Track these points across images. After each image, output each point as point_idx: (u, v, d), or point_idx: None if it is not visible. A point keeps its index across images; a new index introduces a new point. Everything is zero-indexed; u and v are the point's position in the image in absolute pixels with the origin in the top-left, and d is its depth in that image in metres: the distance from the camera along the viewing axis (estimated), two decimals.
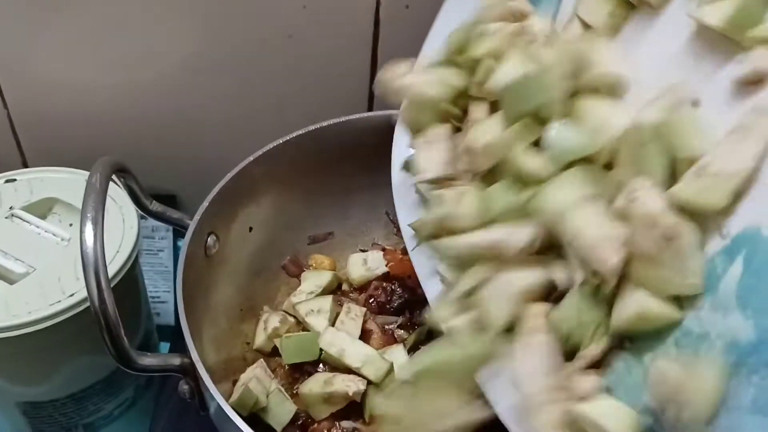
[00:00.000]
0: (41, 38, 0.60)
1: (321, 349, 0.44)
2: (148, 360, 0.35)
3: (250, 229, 0.50)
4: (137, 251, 0.55)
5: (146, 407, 0.63)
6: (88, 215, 0.33)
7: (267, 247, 0.52)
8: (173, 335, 0.63)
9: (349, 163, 0.55)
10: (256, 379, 0.43)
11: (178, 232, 0.74)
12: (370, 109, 0.62)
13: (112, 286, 0.50)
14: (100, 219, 0.33)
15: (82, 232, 0.32)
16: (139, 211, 0.55)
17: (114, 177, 0.38)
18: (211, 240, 0.45)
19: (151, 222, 0.72)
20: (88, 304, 0.49)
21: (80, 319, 0.50)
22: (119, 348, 0.33)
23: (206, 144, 0.67)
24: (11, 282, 0.52)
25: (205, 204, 0.44)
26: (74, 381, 0.55)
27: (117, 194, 0.56)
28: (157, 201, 0.72)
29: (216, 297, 0.46)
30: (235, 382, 0.43)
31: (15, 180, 0.59)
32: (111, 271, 0.51)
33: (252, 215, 0.50)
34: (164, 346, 0.67)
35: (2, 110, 0.64)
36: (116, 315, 0.33)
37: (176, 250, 0.73)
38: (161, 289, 0.73)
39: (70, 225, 0.56)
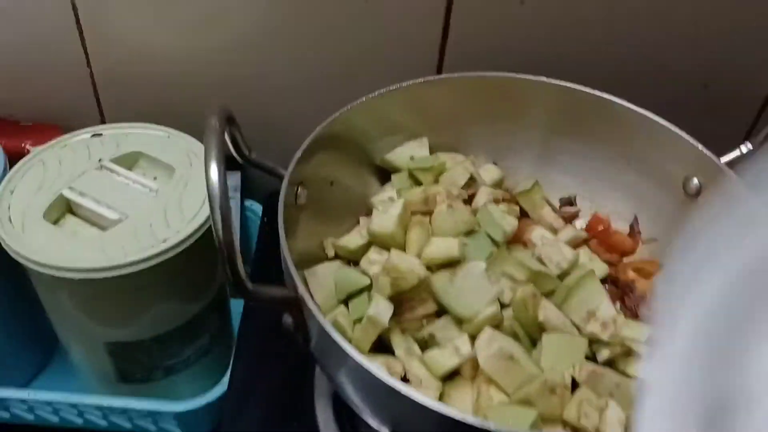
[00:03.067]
0: (124, 3, 0.63)
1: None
2: (263, 293, 0.38)
3: (331, 183, 0.52)
4: None
5: (220, 356, 0.66)
6: (212, 153, 0.35)
7: (344, 202, 0.54)
8: (245, 308, 0.66)
9: (422, 124, 0.56)
10: (342, 313, 0.45)
11: (246, 193, 0.77)
12: (439, 70, 0.64)
13: (201, 234, 0.54)
14: (222, 158, 0.35)
15: (207, 168, 0.35)
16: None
17: None
18: (300, 190, 0.48)
19: None
20: (180, 249, 0.52)
21: (171, 264, 0.53)
22: (238, 277, 0.36)
23: (279, 107, 0.69)
24: (104, 228, 0.55)
25: (298, 154, 0.47)
26: (159, 324, 0.58)
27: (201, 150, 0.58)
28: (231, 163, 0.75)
29: (306, 243, 0.48)
30: None
31: (101, 135, 0.62)
32: (193, 227, 0.54)
33: (332, 171, 0.52)
34: (235, 303, 0.70)
35: (86, 69, 0.67)
36: (237, 246, 0.36)
37: (243, 211, 0.76)
38: None
39: (155, 178, 0.59)
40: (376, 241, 0.49)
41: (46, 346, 0.72)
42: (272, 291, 0.39)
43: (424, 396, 0.34)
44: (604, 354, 0.46)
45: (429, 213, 0.50)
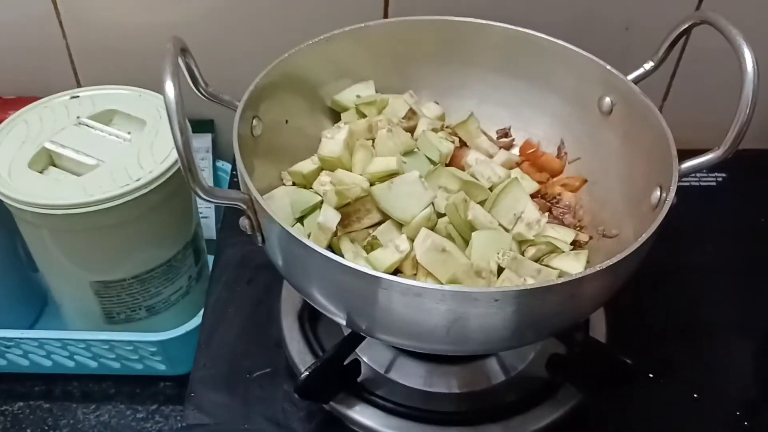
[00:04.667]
0: None
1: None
2: (218, 192, 0.44)
3: (286, 121, 0.58)
4: None
5: (197, 299, 0.71)
6: (168, 70, 0.40)
7: (299, 141, 0.60)
8: (217, 247, 0.71)
9: (368, 67, 0.62)
10: (298, 228, 0.51)
11: (217, 154, 0.83)
12: (385, 16, 0.70)
13: (166, 178, 0.59)
14: (177, 74, 0.41)
15: (164, 84, 0.40)
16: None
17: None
18: (255, 122, 0.53)
19: (193, 144, 0.81)
20: (152, 186, 0.58)
21: (146, 202, 0.59)
22: (197, 180, 0.41)
23: (238, 65, 0.74)
24: (81, 175, 0.60)
25: (251, 87, 0.52)
26: (140, 263, 0.64)
27: None
28: (197, 126, 0.80)
29: (264, 176, 0.54)
30: None
31: (78, 96, 0.67)
32: (164, 167, 0.60)
33: (286, 110, 0.58)
34: (209, 258, 0.75)
35: (62, 41, 0.72)
36: (194, 153, 0.41)
37: (216, 170, 0.82)
38: (203, 206, 0.82)
39: (129, 132, 0.65)
40: (325, 166, 0.55)
41: (36, 302, 0.77)
42: (228, 192, 0.45)
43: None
44: (530, 252, 0.52)
45: (373, 140, 0.56)
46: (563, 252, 0.52)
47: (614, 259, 0.41)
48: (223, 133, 0.82)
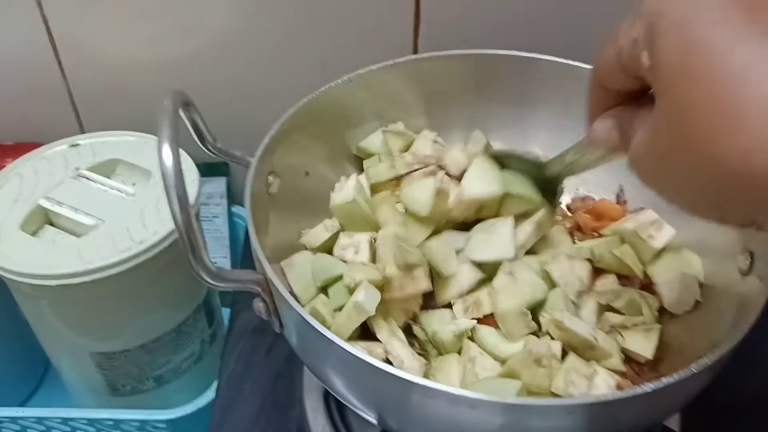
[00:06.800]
0: (95, 17, 0.63)
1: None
2: (227, 275, 0.37)
3: (306, 173, 0.51)
4: (198, 203, 0.57)
5: (212, 363, 0.64)
6: (165, 134, 0.34)
7: (322, 193, 0.53)
8: (233, 299, 0.65)
9: (396, 108, 0.55)
10: (321, 301, 0.44)
11: (232, 199, 0.76)
12: (415, 52, 0.63)
13: (173, 239, 0.53)
14: (175, 139, 0.34)
15: (160, 152, 0.34)
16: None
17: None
18: (271, 178, 0.47)
19: (207, 189, 0.75)
20: (157, 249, 0.52)
21: (151, 267, 0.52)
22: (201, 262, 0.35)
23: (253, 108, 0.68)
24: (79, 235, 0.54)
25: (266, 141, 0.46)
26: (145, 331, 0.57)
27: None
28: (210, 170, 0.74)
29: (284, 234, 0.48)
30: None
31: (78, 144, 0.61)
32: (171, 227, 0.52)
33: (306, 161, 0.51)
34: (224, 311, 0.69)
35: (62, 82, 0.67)
36: (197, 231, 0.34)
37: (231, 216, 0.76)
38: (218, 255, 0.75)
39: (133, 184, 0.59)
40: (340, 216, 0.48)
41: (37, 367, 0.71)
42: (239, 274, 0.38)
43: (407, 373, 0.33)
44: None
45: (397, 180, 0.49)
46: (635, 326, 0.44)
47: (714, 356, 0.33)
48: (238, 177, 0.75)
